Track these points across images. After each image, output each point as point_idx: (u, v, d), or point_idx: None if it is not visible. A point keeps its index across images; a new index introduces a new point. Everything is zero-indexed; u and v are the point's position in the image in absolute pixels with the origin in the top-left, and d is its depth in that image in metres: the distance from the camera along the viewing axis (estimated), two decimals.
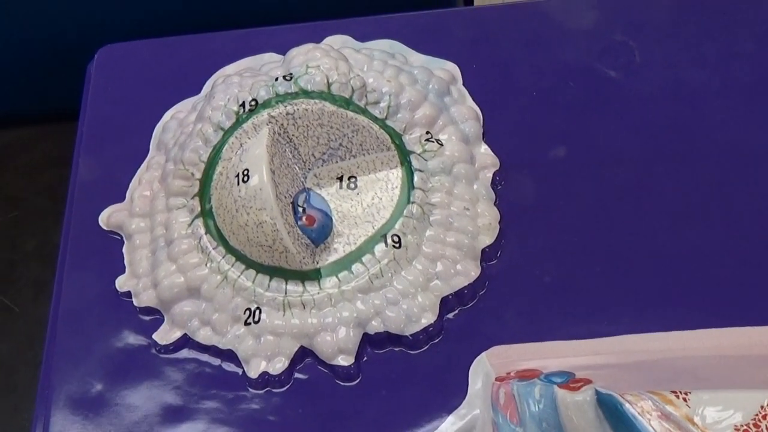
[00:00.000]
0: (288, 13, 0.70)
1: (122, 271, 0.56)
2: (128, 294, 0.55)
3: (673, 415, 0.41)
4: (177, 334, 0.53)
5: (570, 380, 0.45)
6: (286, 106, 0.54)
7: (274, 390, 0.51)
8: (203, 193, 0.54)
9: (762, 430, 0.41)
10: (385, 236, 0.52)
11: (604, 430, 0.42)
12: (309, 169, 0.55)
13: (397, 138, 0.55)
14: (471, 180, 0.55)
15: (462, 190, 0.54)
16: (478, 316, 0.52)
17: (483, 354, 0.50)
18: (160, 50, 0.66)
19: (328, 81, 0.55)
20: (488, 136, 0.58)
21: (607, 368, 0.48)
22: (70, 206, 0.59)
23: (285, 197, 0.52)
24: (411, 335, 0.51)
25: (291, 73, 0.56)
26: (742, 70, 0.59)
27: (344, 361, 0.51)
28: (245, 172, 0.52)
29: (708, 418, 0.42)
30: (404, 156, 0.54)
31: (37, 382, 0.54)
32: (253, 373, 0.51)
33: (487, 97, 0.60)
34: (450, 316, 0.52)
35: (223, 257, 0.53)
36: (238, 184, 0.52)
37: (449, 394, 0.50)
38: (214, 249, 0.53)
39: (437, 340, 0.52)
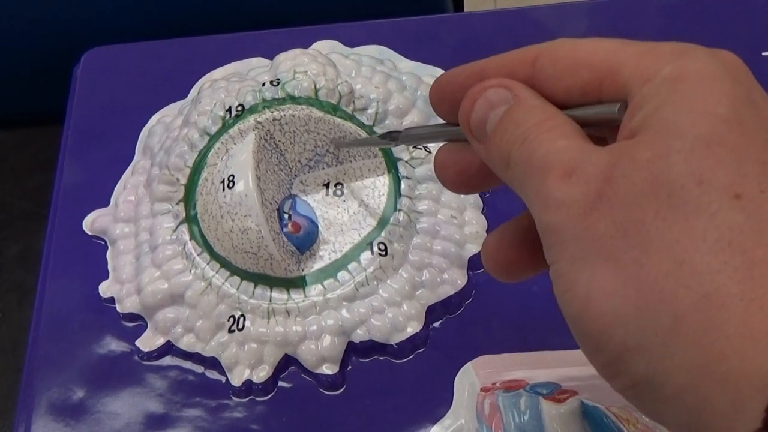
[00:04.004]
0: (277, 17, 0.69)
1: (106, 276, 0.55)
2: (111, 300, 0.54)
3: (659, 429, 0.41)
4: (160, 341, 0.53)
5: (556, 391, 0.44)
6: (272, 112, 0.53)
7: (258, 398, 0.51)
8: (188, 198, 0.54)
9: None
10: (371, 244, 0.52)
11: None
12: (295, 175, 0.54)
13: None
14: None
15: (449, 198, 0.54)
16: (464, 325, 0.52)
17: (469, 364, 0.50)
18: (147, 53, 0.66)
19: (315, 87, 0.54)
20: None
21: (594, 379, 0.47)
22: (54, 211, 0.59)
23: (271, 204, 0.52)
24: (396, 344, 0.51)
25: (278, 79, 0.55)
26: None
27: (328, 369, 0.50)
28: (231, 178, 0.51)
29: None
30: (391, 163, 0.54)
31: (19, 388, 0.53)
32: (236, 381, 0.51)
33: None
34: (436, 325, 0.52)
35: (208, 264, 0.52)
36: (224, 190, 0.51)
37: (434, 403, 0.49)
38: (198, 255, 0.52)
39: (423, 350, 0.51)
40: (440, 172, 0.35)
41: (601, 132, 0.31)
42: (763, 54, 0.59)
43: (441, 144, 0.36)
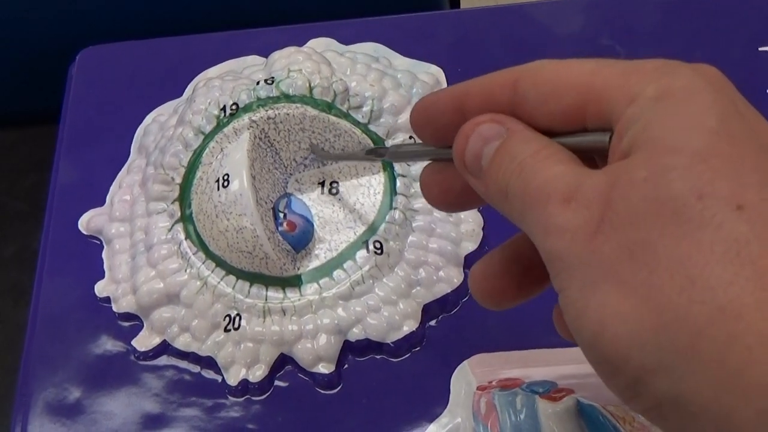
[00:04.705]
0: (272, 15, 0.69)
1: (101, 276, 0.55)
2: (107, 299, 0.54)
3: (654, 428, 0.41)
4: (156, 341, 0.53)
5: (552, 390, 0.44)
6: (267, 111, 0.53)
7: (254, 397, 0.51)
8: (183, 197, 0.54)
9: None
10: (366, 242, 0.51)
11: None
12: (290, 174, 0.54)
13: (379, 143, 0.54)
14: None
15: None
16: (460, 323, 0.52)
17: (465, 362, 0.50)
18: (142, 52, 0.65)
19: (310, 85, 0.54)
20: None
21: (591, 377, 0.47)
22: (49, 210, 0.59)
23: (266, 202, 0.52)
24: (392, 343, 0.51)
25: (273, 77, 0.55)
26: (730, 76, 0.59)
27: (324, 368, 0.50)
28: (225, 177, 0.51)
29: None
30: (387, 161, 0.54)
31: (15, 388, 0.53)
32: (232, 381, 0.51)
33: None
34: (432, 323, 0.52)
35: (203, 263, 0.52)
36: (219, 189, 0.51)
37: (431, 402, 0.49)
38: (194, 254, 0.52)
39: (419, 348, 0.51)
40: (425, 191, 0.35)
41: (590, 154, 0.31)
42: (760, 49, 0.59)
43: (426, 163, 0.36)
